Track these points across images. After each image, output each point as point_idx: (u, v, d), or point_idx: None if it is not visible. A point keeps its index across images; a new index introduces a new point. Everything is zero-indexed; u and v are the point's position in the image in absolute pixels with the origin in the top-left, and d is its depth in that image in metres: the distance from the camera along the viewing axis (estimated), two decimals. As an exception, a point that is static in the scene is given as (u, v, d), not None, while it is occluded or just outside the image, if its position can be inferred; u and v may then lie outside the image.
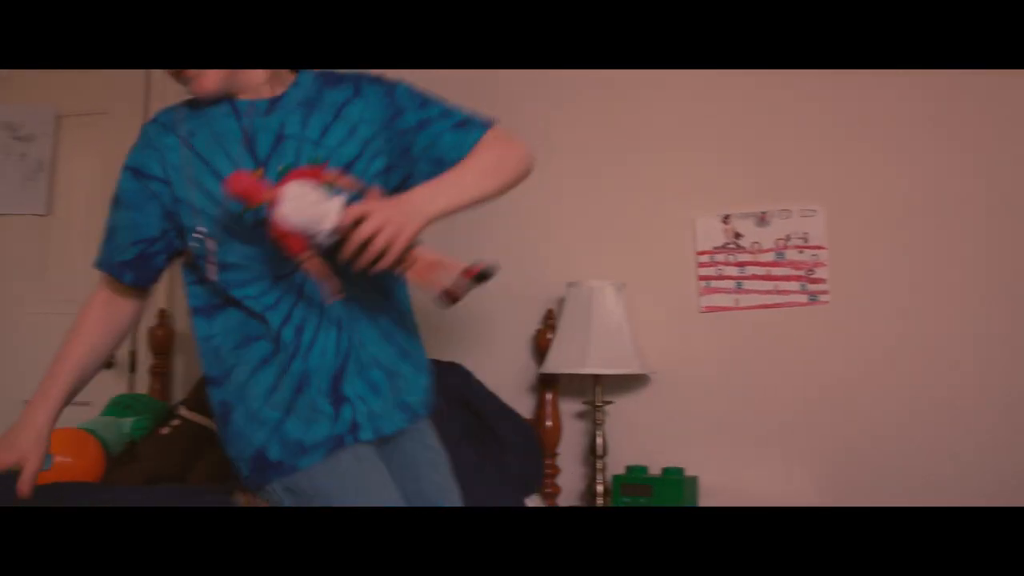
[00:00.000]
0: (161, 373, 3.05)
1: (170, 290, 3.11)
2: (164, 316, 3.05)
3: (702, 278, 2.71)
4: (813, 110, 2.67)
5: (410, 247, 1.46)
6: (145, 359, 3.14)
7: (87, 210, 3.26)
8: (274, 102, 1.62)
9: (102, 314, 1.69)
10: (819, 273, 2.61)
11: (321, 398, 1.57)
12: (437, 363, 2.74)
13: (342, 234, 1.40)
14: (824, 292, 2.60)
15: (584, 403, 2.71)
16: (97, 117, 3.33)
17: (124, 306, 1.70)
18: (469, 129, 1.67)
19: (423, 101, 1.69)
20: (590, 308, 2.56)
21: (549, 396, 2.73)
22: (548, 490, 2.70)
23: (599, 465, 2.61)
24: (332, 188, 1.43)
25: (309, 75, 1.67)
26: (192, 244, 1.60)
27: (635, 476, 2.52)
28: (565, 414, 2.77)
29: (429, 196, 1.54)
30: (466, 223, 2.88)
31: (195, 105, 1.63)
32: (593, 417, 2.63)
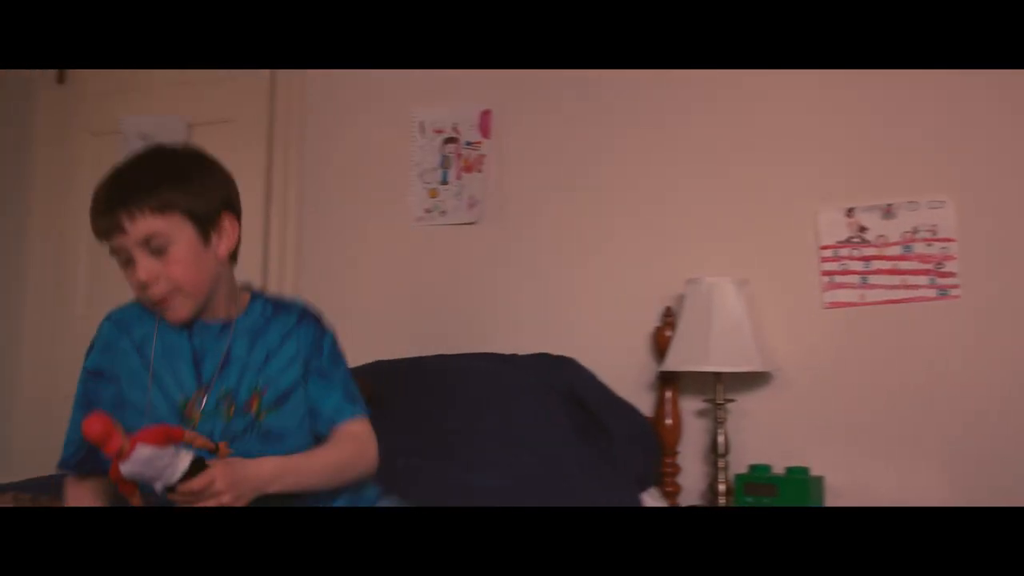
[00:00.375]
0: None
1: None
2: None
3: (825, 273, 2.66)
4: (940, 98, 2.58)
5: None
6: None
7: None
8: (226, 326, 1.70)
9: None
10: (949, 267, 2.53)
11: None
12: (547, 358, 2.77)
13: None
14: (955, 286, 2.52)
15: (705, 401, 2.68)
16: (223, 125, 3.45)
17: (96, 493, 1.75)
18: (351, 405, 1.76)
19: (338, 360, 1.80)
20: (710, 305, 2.54)
21: (669, 394, 2.72)
22: (669, 489, 2.69)
23: (721, 464, 2.58)
24: (184, 446, 1.45)
25: (259, 303, 1.77)
26: None
27: (758, 475, 2.49)
28: (685, 412, 2.75)
29: (272, 477, 1.56)
30: (584, 218, 2.90)
31: (150, 315, 1.69)
32: (714, 415, 2.60)
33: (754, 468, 2.53)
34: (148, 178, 1.59)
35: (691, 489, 2.73)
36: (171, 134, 3.42)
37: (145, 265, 1.58)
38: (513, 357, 2.78)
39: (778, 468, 2.57)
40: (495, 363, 2.74)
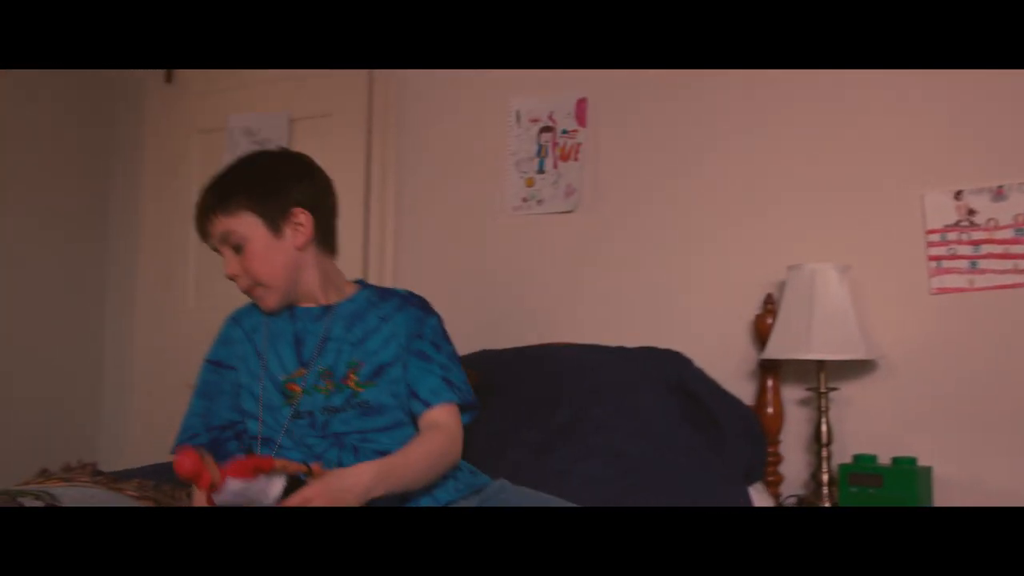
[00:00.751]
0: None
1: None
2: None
3: (932, 258, 2.58)
4: (1055, 75, 2.49)
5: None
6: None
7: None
8: (326, 309, 1.85)
9: None
10: (1065, 250, 2.44)
11: None
12: (654, 351, 2.75)
13: None
14: (1071, 270, 2.43)
15: (807, 389, 2.64)
16: (323, 119, 3.52)
17: None
18: (447, 390, 1.82)
19: (441, 344, 1.89)
20: (812, 291, 2.49)
21: (770, 382, 2.68)
22: (770, 478, 2.65)
23: (824, 453, 2.54)
24: (275, 474, 1.48)
25: (365, 292, 1.91)
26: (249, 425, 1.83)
27: (863, 465, 2.43)
28: (787, 401, 2.71)
29: (373, 483, 1.57)
30: (683, 205, 2.88)
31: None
32: (817, 404, 2.56)
33: (858, 458, 2.48)
34: (225, 184, 1.80)
35: (793, 479, 2.70)
36: (274, 130, 3.51)
37: (229, 261, 1.80)
38: (620, 349, 2.78)
39: (883, 458, 2.52)
40: (603, 354, 2.74)
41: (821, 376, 2.54)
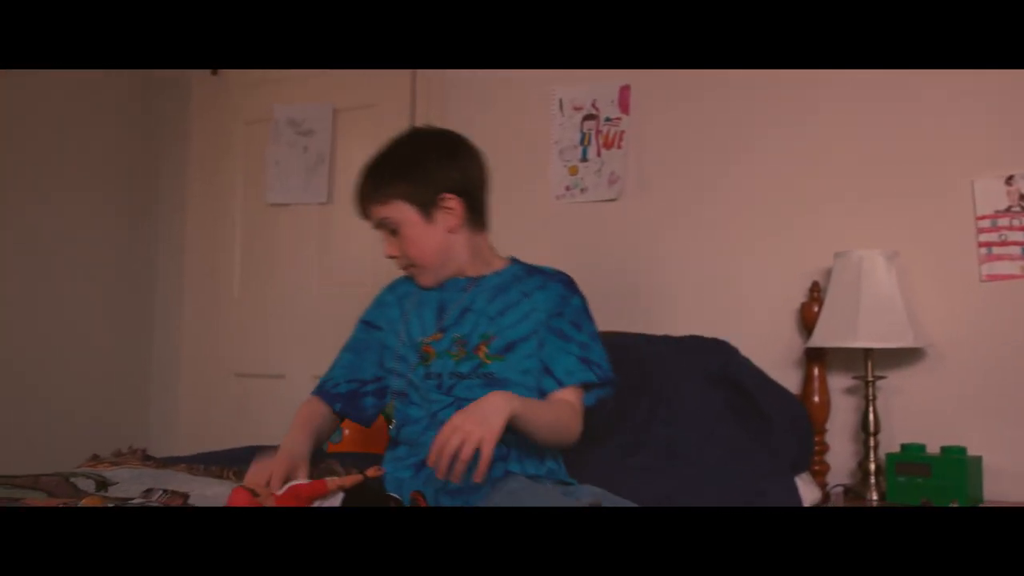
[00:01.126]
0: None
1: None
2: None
3: (983, 244, 2.54)
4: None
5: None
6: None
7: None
8: (472, 281, 1.97)
9: (309, 420, 1.96)
10: (1121, 236, 2.39)
11: None
12: (700, 340, 2.74)
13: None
14: None
15: (854, 378, 2.61)
16: (368, 110, 3.54)
17: (325, 421, 2.00)
18: (582, 370, 1.88)
19: (582, 324, 1.94)
20: (859, 279, 2.46)
21: (816, 371, 2.65)
22: (817, 468, 2.63)
23: (871, 442, 2.51)
24: (331, 494, 1.52)
25: (514, 268, 2.03)
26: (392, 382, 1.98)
27: (912, 455, 2.40)
28: (834, 389, 2.68)
29: (513, 405, 1.63)
30: (728, 193, 2.86)
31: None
32: (864, 392, 2.53)
33: (907, 447, 2.45)
34: (378, 173, 1.93)
35: (839, 469, 2.67)
36: (318, 120, 3.54)
37: (388, 243, 1.95)
38: (665, 338, 2.77)
39: (932, 448, 2.49)
40: (648, 344, 2.73)
41: (868, 364, 2.51)
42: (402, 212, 1.90)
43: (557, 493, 1.79)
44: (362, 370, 2.02)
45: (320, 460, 2.09)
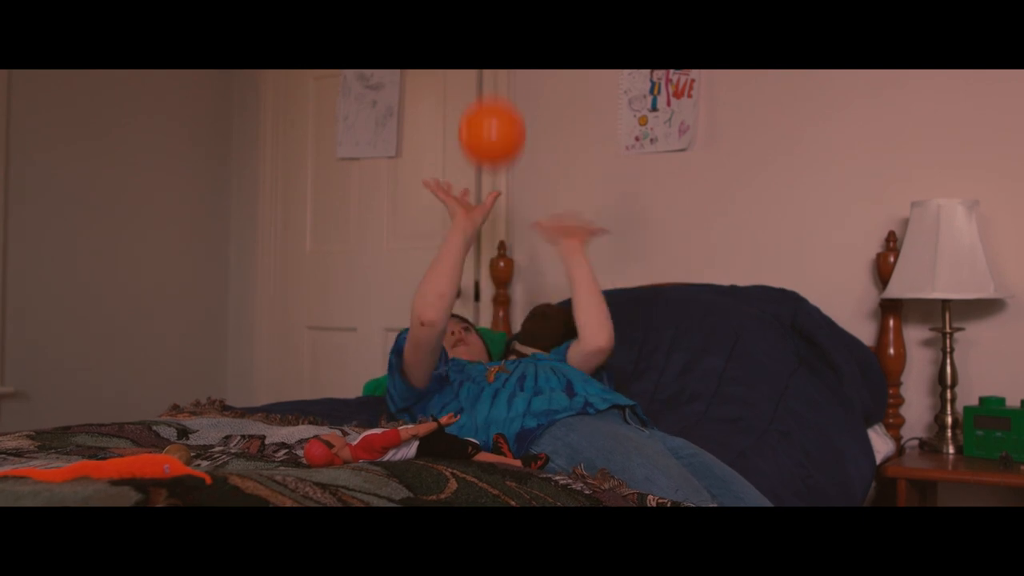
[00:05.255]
0: (503, 302, 3.22)
1: (508, 223, 3.27)
2: (503, 248, 3.21)
3: (1069, 193, 2.46)
4: None
5: None
6: (488, 289, 3.33)
7: (429, 150, 3.49)
8: None
9: None
10: None
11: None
12: (768, 290, 2.71)
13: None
14: None
15: (931, 330, 2.56)
16: (436, 72, 3.53)
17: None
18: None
19: None
20: (938, 228, 2.40)
21: (891, 322, 2.60)
22: (891, 421, 2.59)
23: (948, 396, 2.47)
24: (405, 443, 1.52)
25: None
26: None
27: (991, 408, 2.35)
28: (910, 342, 2.63)
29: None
30: (801, 141, 2.80)
31: None
32: (941, 345, 2.48)
33: (985, 400, 2.40)
34: None
35: (915, 422, 2.63)
36: (386, 75, 3.53)
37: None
38: (734, 288, 2.74)
39: (1012, 401, 2.43)
40: (717, 294, 2.71)
41: (946, 316, 2.46)
42: None
43: (642, 434, 1.81)
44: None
45: (390, 418, 2.13)
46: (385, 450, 1.51)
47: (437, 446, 1.51)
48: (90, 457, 1.40)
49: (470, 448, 1.52)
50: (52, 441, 1.58)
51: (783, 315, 2.59)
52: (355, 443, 1.50)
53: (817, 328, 2.56)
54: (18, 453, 1.45)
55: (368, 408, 2.41)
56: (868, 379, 2.51)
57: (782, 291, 2.68)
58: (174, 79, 3.71)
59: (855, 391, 2.45)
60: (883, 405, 2.57)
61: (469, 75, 3.41)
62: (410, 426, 1.54)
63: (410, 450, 1.52)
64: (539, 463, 1.53)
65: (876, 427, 2.54)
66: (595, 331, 2.22)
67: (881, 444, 2.45)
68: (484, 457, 1.53)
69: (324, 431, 1.73)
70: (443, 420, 1.59)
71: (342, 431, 1.76)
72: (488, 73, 3.37)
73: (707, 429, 2.15)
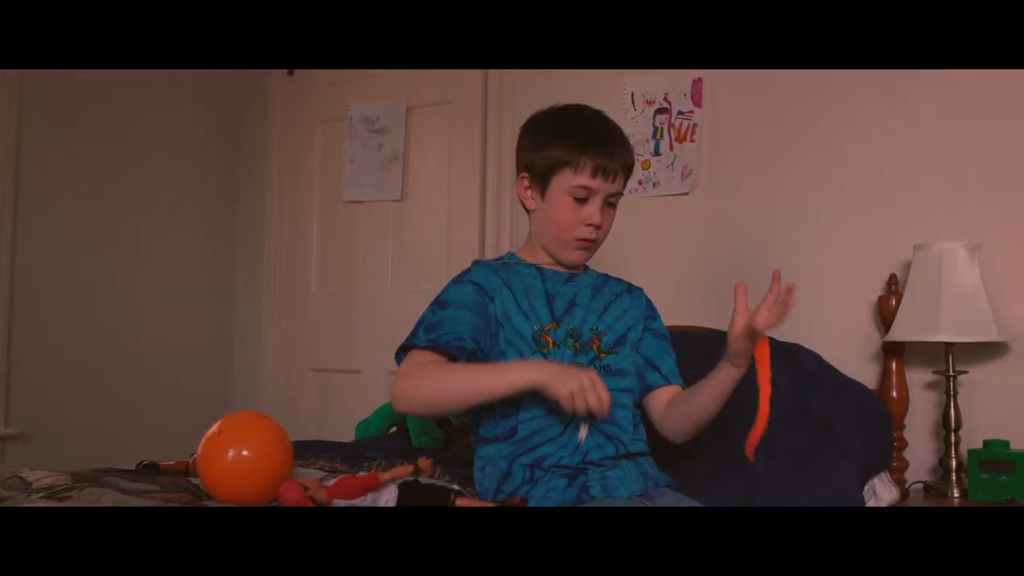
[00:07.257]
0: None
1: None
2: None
3: (1070, 236, 2.47)
4: None
5: None
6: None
7: (434, 193, 3.52)
8: (572, 276, 1.96)
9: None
10: None
11: None
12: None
13: None
14: None
15: (934, 373, 2.56)
16: (441, 107, 3.57)
17: None
18: (678, 374, 2.01)
19: (656, 314, 2.08)
20: (940, 271, 2.41)
21: (894, 365, 2.60)
22: (895, 464, 2.58)
23: (952, 439, 2.46)
24: (384, 487, 1.53)
25: (592, 270, 2.04)
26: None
27: (995, 451, 2.35)
28: (913, 385, 2.63)
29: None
30: (803, 185, 2.81)
31: (505, 263, 1.97)
32: (944, 388, 2.48)
33: (989, 444, 2.39)
34: (624, 142, 1.91)
35: (919, 466, 2.62)
36: (392, 117, 3.57)
37: (603, 214, 1.87)
38: (726, 335, 2.73)
39: (1016, 445, 2.42)
40: (714, 342, 2.69)
41: (950, 359, 2.46)
42: (622, 187, 1.90)
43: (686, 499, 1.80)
44: (482, 335, 1.81)
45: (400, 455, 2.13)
46: (365, 491, 1.51)
47: (416, 494, 1.51)
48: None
49: (452, 495, 1.52)
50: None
51: (782, 362, 2.56)
52: (331, 484, 1.51)
53: (814, 381, 2.49)
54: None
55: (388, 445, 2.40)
56: (870, 428, 2.44)
57: (781, 343, 2.65)
58: (183, 119, 3.75)
59: (853, 444, 2.35)
60: (889, 453, 2.52)
61: (474, 117, 3.45)
62: (387, 472, 1.54)
63: (389, 495, 1.51)
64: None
65: (881, 475, 2.52)
66: (686, 434, 1.95)
67: (885, 492, 2.43)
68: (465, 503, 1.52)
69: (315, 473, 1.73)
70: (420, 463, 1.59)
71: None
72: (492, 112, 3.41)
73: (699, 483, 2.11)
